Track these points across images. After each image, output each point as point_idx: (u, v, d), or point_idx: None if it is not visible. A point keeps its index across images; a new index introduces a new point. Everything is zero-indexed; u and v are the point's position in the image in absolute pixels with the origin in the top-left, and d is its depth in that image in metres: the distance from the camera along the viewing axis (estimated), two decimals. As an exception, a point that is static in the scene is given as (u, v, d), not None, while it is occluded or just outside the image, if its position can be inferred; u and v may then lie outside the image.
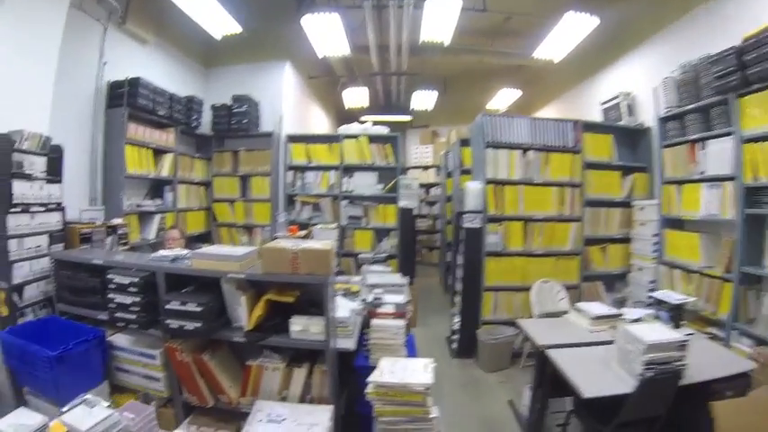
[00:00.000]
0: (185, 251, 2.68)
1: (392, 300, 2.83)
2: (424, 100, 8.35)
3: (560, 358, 2.52)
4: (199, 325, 2.34)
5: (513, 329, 4.10)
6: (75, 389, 2.38)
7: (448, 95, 8.27)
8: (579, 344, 2.73)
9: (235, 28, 4.71)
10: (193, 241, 5.49)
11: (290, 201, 5.92)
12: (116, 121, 4.25)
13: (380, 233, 5.73)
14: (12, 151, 2.82)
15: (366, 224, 5.69)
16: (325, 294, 2.25)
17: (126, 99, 4.25)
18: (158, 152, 4.83)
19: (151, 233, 4.67)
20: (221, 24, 4.64)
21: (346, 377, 2.59)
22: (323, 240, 2.42)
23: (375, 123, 6.24)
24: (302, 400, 2.41)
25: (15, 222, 2.83)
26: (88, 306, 2.74)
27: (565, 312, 3.90)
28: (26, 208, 2.90)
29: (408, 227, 5.80)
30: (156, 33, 4.99)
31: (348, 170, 5.75)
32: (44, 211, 3.05)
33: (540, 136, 4.53)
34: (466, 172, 5.90)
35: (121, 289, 2.54)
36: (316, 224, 5.44)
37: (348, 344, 2.55)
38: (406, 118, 9.62)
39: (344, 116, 8.81)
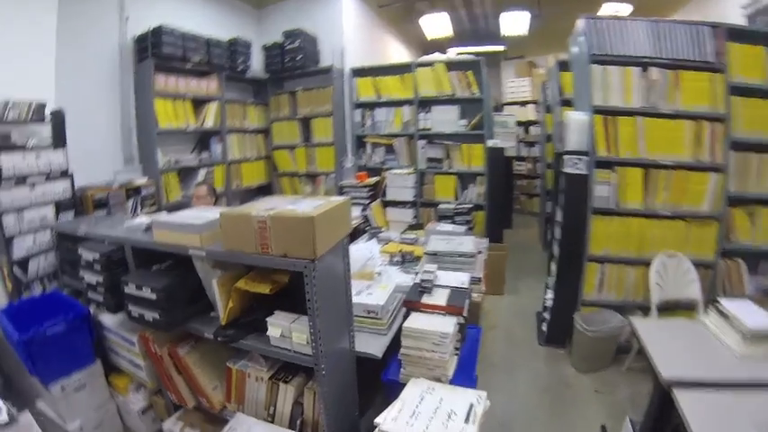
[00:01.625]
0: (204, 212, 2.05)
1: (450, 281, 1.94)
2: (515, 24, 6.71)
3: (696, 412, 1.38)
4: (156, 315, 1.73)
5: (621, 318, 2.93)
6: (58, 370, 2.12)
7: (544, 18, 6.55)
8: (726, 383, 1.52)
9: None
10: (252, 194, 5.09)
11: (360, 143, 5.07)
12: (144, 76, 3.79)
13: (465, 179, 4.68)
14: None
15: (448, 168, 4.64)
16: (309, 288, 1.43)
17: (150, 50, 3.74)
18: (199, 102, 4.33)
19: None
20: None
21: (372, 393, 1.84)
22: (337, 199, 1.60)
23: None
24: (292, 423, 1.70)
25: (10, 197, 2.55)
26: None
27: (694, 304, 2.89)
28: (21, 180, 2.61)
29: (500, 170, 4.67)
30: None
31: (424, 104, 4.65)
32: (45, 181, 2.74)
33: (666, 46, 3.00)
34: (567, 103, 4.52)
35: (88, 266, 2.06)
36: (389, 169, 4.77)
37: (374, 347, 1.84)
38: (499, 48, 7.98)
39: (428, 48, 7.54)
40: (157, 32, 3.74)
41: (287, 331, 1.54)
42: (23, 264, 2.63)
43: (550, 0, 6.08)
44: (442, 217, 4.32)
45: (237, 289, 1.63)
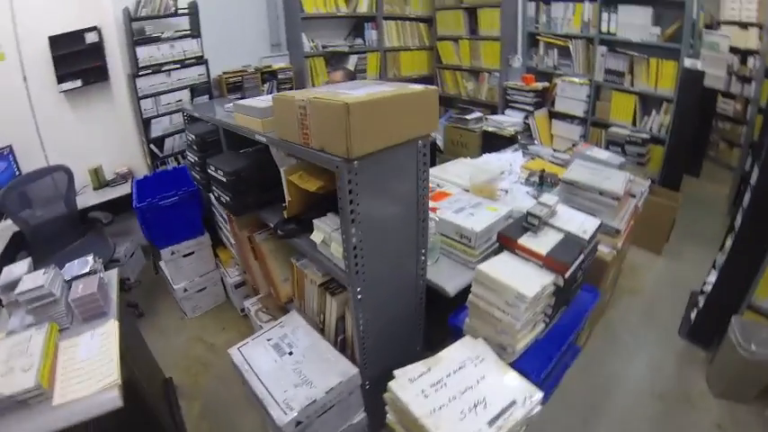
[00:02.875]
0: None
1: (571, 223, 1.45)
2: None
3: None
4: (228, 198, 1.69)
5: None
6: (169, 236, 2.38)
7: None
8: None
9: None
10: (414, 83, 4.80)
11: (533, 41, 4.27)
12: None
13: (649, 102, 3.63)
14: (131, 21, 2.69)
15: (630, 84, 3.62)
16: (342, 194, 1.14)
17: None
18: None
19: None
20: None
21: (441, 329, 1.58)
22: (414, 88, 1.21)
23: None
24: (336, 338, 1.55)
25: (147, 83, 2.81)
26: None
27: None
28: (158, 68, 2.83)
29: (694, 100, 3.41)
30: None
31: (610, 1, 3.61)
32: (180, 68, 2.93)
33: None
34: None
35: (190, 146, 2.13)
36: (562, 75, 4.01)
37: (452, 281, 1.55)
38: None
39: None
40: None
41: (328, 238, 1.32)
42: (160, 142, 2.94)
43: None
44: (612, 143, 3.54)
45: (292, 182, 1.44)
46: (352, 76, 3.09)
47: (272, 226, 1.64)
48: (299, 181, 1.39)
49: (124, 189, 2.87)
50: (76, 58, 2.81)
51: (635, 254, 3.21)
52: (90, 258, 1.58)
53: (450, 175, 2.09)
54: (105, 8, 2.79)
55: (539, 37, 4.14)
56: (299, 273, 1.69)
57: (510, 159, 2.60)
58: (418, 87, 1.20)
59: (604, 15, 3.61)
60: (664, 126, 3.48)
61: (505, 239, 1.37)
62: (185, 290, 2.53)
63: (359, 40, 4.23)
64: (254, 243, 1.91)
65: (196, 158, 2.08)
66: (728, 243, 2.44)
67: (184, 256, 2.46)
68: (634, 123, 3.62)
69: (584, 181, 1.82)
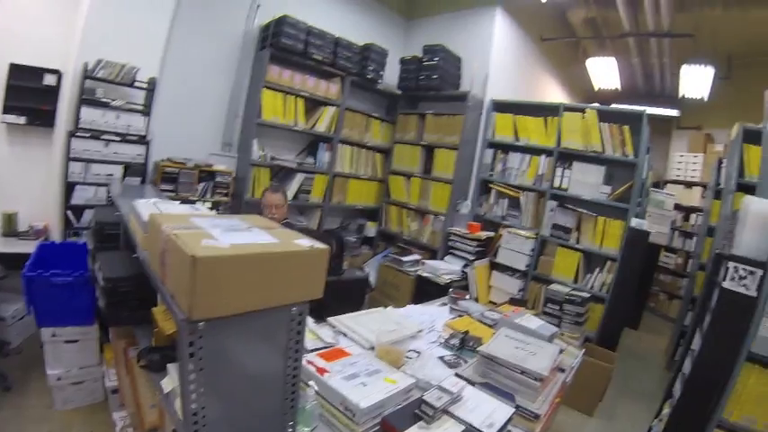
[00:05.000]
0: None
1: (479, 411, 1.21)
2: (696, 82, 5.22)
3: None
4: (104, 304, 1.47)
5: None
6: (57, 318, 2.11)
7: (733, 82, 4.95)
8: None
9: None
10: (355, 214, 4.67)
11: (484, 189, 4.22)
12: (260, 65, 3.63)
13: (593, 260, 3.56)
14: (86, 78, 2.65)
15: (575, 241, 3.60)
16: (182, 355, 0.89)
17: (270, 39, 3.57)
18: (315, 103, 4.02)
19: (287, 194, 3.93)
20: None
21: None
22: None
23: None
24: None
25: (82, 146, 2.67)
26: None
27: None
28: (97, 135, 2.71)
29: (638, 260, 3.38)
30: None
31: (565, 158, 3.70)
32: (120, 141, 2.81)
33: None
34: (745, 188, 3.23)
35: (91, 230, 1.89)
36: (509, 226, 3.90)
37: None
38: (672, 112, 6.42)
39: (592, 100, 6.44)
40: (280, 22, 3.55)
41: (175, 391, 1.05)
42: (79, 210, 2.72)
43: (743, 62, 4.61)
44: (550, 300, 3.40)
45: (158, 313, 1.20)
46: (286, 201, 2.86)
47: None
48: (161, 317, 1.15)
49: (31, 246, 2.52)
50: (29, 95, 2.73)
51: (564, 416, 2.96)
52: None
53: (361, 326, 1.85)
54: (71, 55, 2.75)
55: (491, 185, 4.15)
56: (162, 409, 1.37)
57: (435, 314, 2.40)
58: (304, 245, 1.01)
59: (558, 171, 3.70)
60: (605, 285, 3.42)
61: (389, 428, 1.13)
62: (59, 378, 2.15)
63: (310, 159, 4.14)
64: (127, 357, 1.60)
65: (90, 247, 1.84)
66: (666, 411, 2.26)
67: (66, 341, 2.13)
68: (576, 280, 3.55)
69: (504, 357, 1.62)
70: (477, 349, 1.73)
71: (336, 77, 4.10)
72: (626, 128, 3.39)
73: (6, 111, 2.69)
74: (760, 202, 2.05)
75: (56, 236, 2.78)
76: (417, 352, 1.83)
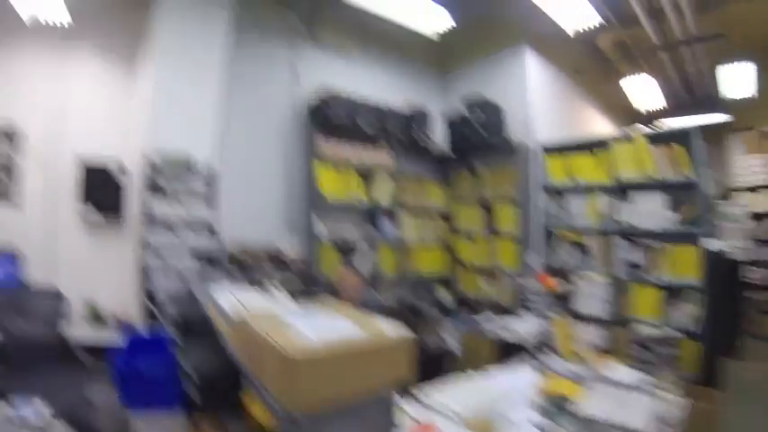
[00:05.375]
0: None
1: None
2: (738, 81, 4.97)
3: None
4: (195, 390, 1.53)
5: None
6: (146, 404, 2.21)
7: None
8: None
9: (449, 23, 3.64)
10: (427, 284, 4.48)
11: (550, 236, 3.99)
12: (310, 142, 3.69)
13: (673, 292, 3.26)
14: (153, 173, 2.85)
15: (651, 276, 3.33)
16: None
17: (318, 115, 3.68)
18: (369, 175, 4.02)
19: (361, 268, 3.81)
20: (432, 21, 3.65)
21: None
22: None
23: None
24: None
25: (155, 239, 2.83)
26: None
27: None
28: (169, 226, 2.88)
29: (721, 282, 3.09)
30: (363, 43, 4.39)
31: (624, 191, 3.51)
32: (190, 231, 2.96)
33: None
34: None
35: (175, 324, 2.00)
36: (581, 272, 3.68)
37: None
38: (723, 117, 6.03)
39: (637, 121, 6.23)
40: (325, 98, 3.66)
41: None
42: (157, 299, 2.82)
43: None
44: (638, 344, 3.13)
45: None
46: (360, 277, 2.96)
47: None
48: (254, 407, 1.19)
49: (114, 334, 2.77)
50: (100, 190, 3.07)
51: None
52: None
53: (447, 398, 1.75)
54: (136, 153, 3.03)
55: (556, 233, 3.95)
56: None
57: (519, 376, 2.28)
58: (391, 333, 1.04)
59: (620, 206, 3.52)
60: (692, 316, 3.13)
61: None
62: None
63: (375, 232, 4.04)
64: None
65: (174, 336, 1.94)
66: None
67: (155, 428, 2.22)
68: (660, 318, 3.27)
69: (602, 416, 1.50)
70: (574, 412, 1.61)
71: (387, 145, 4.12)
72: (678, 147, 3.23)
73: (81, 205, 3.03)
74: None
75: (136, 324, 2.90)
76: (509, 420, 1.72)
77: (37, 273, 2.85)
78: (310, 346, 0.92)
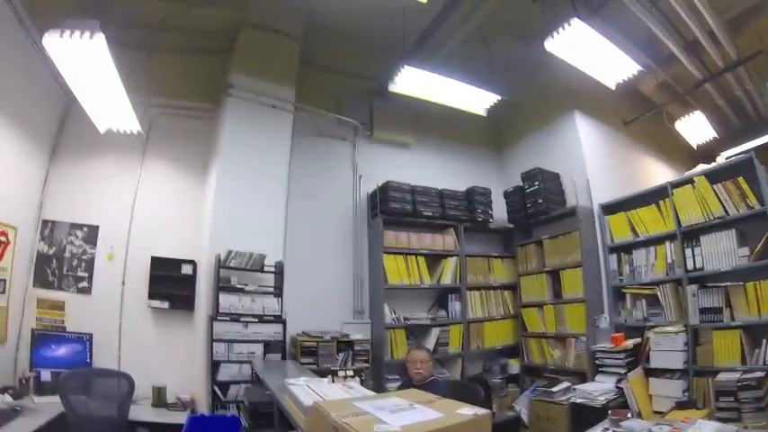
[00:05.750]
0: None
1: None
2: None
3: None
4: None
5: None
6: None
7: None
8: None
9: (496, 96, 3.73)
10: (495, 355, 4.42)
11: (619, 296, 3.86)
12: (375, 231, 3.85)
13: (756, 333, 2.92)
14: (220, 268, 3.01)
15: (730, 319, 3.03)
16: None
17: (379, 206, 3.85)
18: (435, 258, 4.11)
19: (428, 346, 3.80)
20: (481, 99, 3.78)
21: None
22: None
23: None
24: None
25: (224, 328, 2.91)
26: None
27: None
28: (236, 317, 2.96)
29: None
30: (418, 132, 4.57)
31: (690, 236, 3.33)
32: (257, 322, 3.02)
33: None
34: None
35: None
36: (654, 326, 3.44)
37: None
38: None
39: (694, 158, 5.87)
40: (384, 189, 3.82)
41: None
42: (225, 386, 2.86)
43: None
44: (722, 393, 2.74)
45: None
46: (428, 354, 2.88)
47: None
48: None
49: (180, 417, 2.70)
50: (170, 283, 3.25)
51: None
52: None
53: None
54: (205, 248, 3.20)
55: (624, 290, 3.78)
56: None
57: None
58: (468, 415, 0.98)
59: (688, 252, 3.31)
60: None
61: None
62: None
63: (442, 312, 4.08)
64: None
65: (245, 424, 1.90)
66: None
67: None
68: (743, 361, 2.90)
69: None
70: None
71: (449, 228, 4.20)
72: (741, 179, 3.02)
73: (151, 297, 3.20)
74: None
75: (203, 409, 2.94)
76: None
77: (108, 357, 3.05)
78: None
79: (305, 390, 1.41)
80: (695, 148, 5.71)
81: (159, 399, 2.94)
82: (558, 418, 3.29)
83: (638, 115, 4.87)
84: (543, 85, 4.51)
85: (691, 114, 4.90)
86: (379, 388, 3.30)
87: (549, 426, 3.34)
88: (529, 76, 4.48)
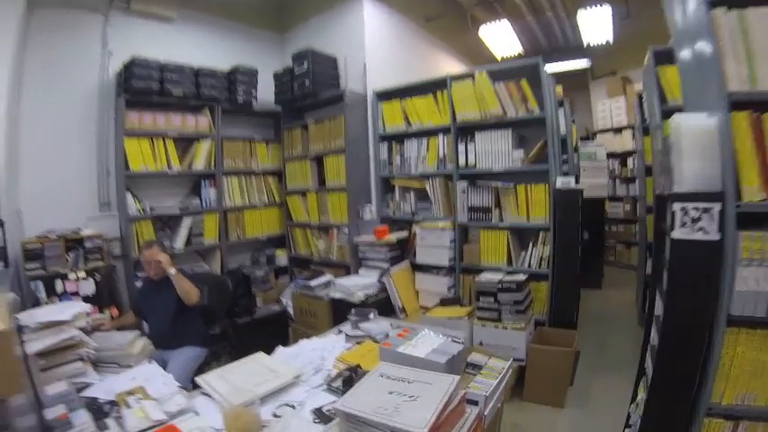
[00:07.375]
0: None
1: None
2: (597, 27, 4.96)
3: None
4: None
5: None
6: None
7: (634, 21, 4.70)
8: None
9: None
10: (260, 245, 4.15)
11: (388, 187, 3.79)
12: (119, 113, 3.21)
13: (523, 236, 3.07)
14: None
15: (498, 220, 3.07)
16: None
17: (123, 85, 3.19)
18: (187, 141, 3.59)
19: (178, 242, 3.47)
20: None
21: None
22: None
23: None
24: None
25: None
26: None
27: None
28: None
29: (573, 221, 2.82)
30: (184, 8, 3.80)
31: (465, 132, 3.19)
32: None
33: None
34: (672, 113, 2.60)
35: None
36: (421, 221, 3.37)
37: None
38: (583, 63, 6.15)
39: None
40: (129, 66, 3.16)
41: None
42: None
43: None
44: (482, 293, 2.79)
45: None
46: (163, 249, 2.60)
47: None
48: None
49: None
50: None
51: (530, 415, 2.51)
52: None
53: (224, 382, 1.42)
54: None
55: (393, 181, 3.69)
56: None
57: (329, 346, 1.77)
58: None
59: (461, 147, 3.20)
60: (544, 259, 2.89)
61: None
62: None
63: (195, 200, 3.64)
64: None
65: None
66: (641, 395, 1.73)
67: None
68: (510, 262, 3.03)
69: (368, 413, 1.00)
70: (334, 406, 1.16)
71: (204, 109, 3.65)
72: (524, 82, 2.91)
73: None
74: (693, 116, 1.55)
75: None
76: (291, 406, 1.32)
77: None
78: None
79: None
80: (499, 61, 5.82)
81: None
82: (319, 311, 3.18)
83: (442, 15, 4.60)
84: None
85: (496, 21, 4.81)
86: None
87: (312, 320, 3.22)
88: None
